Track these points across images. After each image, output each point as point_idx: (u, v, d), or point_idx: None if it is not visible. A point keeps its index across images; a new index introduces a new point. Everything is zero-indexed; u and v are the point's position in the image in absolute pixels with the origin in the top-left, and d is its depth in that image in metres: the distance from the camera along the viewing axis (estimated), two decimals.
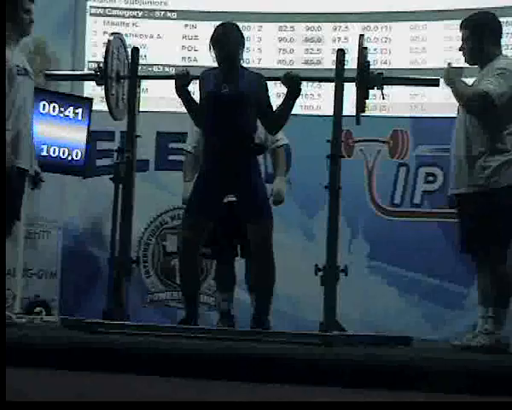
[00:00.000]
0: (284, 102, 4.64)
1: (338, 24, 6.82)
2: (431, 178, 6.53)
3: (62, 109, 6.31)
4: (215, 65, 4.65)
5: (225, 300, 5.33)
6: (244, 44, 4.66)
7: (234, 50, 4.57)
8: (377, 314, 6.21)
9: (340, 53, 4.70)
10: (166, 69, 6.77)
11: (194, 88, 4.76)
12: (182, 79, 4.67)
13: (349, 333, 4.59)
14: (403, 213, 6.59)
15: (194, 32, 6.93)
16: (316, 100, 6.67)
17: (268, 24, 6.90)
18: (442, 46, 6.44)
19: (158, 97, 6.43)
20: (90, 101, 6.46)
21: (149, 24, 7.00)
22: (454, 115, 4.68)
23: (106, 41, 4.93)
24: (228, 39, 4.55)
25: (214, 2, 6.83)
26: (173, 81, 4.68)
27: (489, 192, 4.41)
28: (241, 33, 4.65)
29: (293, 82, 4.59)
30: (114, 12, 7.04)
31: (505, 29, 5.10)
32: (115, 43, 4.91)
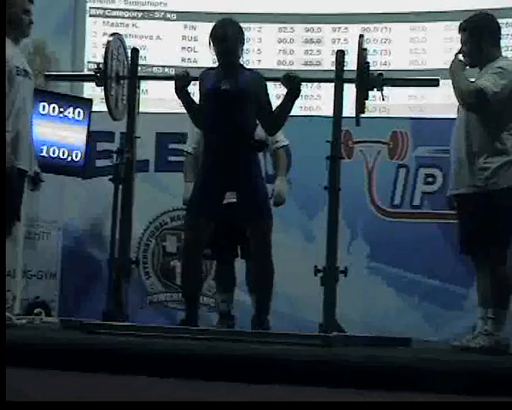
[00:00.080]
0: (283, 102, 4.64)
1: (337, 25, 6.82)
2: (430, 180, 6.53)
3: (62, 110, 6.31)
4: (215, 66, 4.65)
5: (225, 301, 5.33)
6: (244, 41, 4.67)
7: (233, 46, 4.58)
8: (377, 315, 6.22)
9: (340, 54, 4.70)
10: (166, 70, 6.77)
11: (193, 89, 4.76)
12: (181, 80, 4.67)
13: (349, 334, 4.59)
14: (402, 215, 6.59)
15: (193, 33, 6.94)
16: (315, 101, 6.67)
17: (268, 25, 6.90)
18: (442, 47, 6.44)
19: (158, 98, 6.44)
20: (89, 101, 6.46)
21: (149, 25, 7.00)
22: (454, 116, 4.68)
23: (105, 42, 4.92)
24: (227, 35, 4.56)
25: (214, 4, 6.83)
26: (173, 82, 4.69)
27: (489, 193, 4.41)
28: (241, 30, 4.66)
29: (292, 83, 4.60)
30: (114, 13, 7.04)
31: (505, 30, 5.12)
32: (115, 44, 4.90)
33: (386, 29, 6.76)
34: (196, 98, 4.71)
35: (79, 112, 6.40)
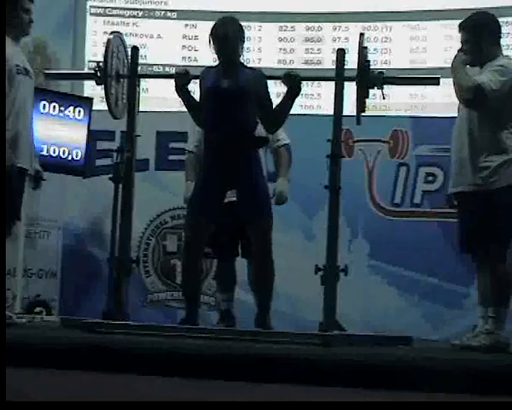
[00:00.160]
0: (284, 100, 4.64)
1: (338, 24, 6.82)
2: (431, 178, 6.53)
3: (62, 109, 6.32)
4: (215, 63, 4.65)
5: (225, 300, 5.32)
6: (244, 39, 4.66)
7: (233, 44, 4.58)
8: (377, 314, 6.22)
9: (341, 53, 4.70)
10: (167, 69, 6.77)
11: (194, 87, 4.76)
12: (182, 79, 4.67)
13: (349, 333, 4.59)
14: (403, 213, 6.59)
15: (194, 32, 6.94)
16: (316, 100, 6.67)
17: (268, 24, 6.90)
18: (442, 46, 6.44)
19: (158, 97, 6.44)
20: (90, 100, 6.46)
21: (149, 24, 7.00)
22: (454, 115, 4.68)
23: (106, 41, 4.92)
24: (227, 33, 4.55)
25: (214, 2, 6.83)
26: (173, 81, 4.69)
27: (489, 192, 4.41)
28: (241, 28, 4.65)
29: (293, 81, 4.59)
30: (114, 12, 7.05)
31: (505, 29, 5.11)
32: (115, 42, 4.90)
33: (386, 28, 6.76)
34: (197, 97, 4.71)
35: (80, 111, 6.40)
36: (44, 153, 6.11)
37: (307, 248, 6.26)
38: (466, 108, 4.51)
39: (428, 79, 5.15)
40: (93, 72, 4.91)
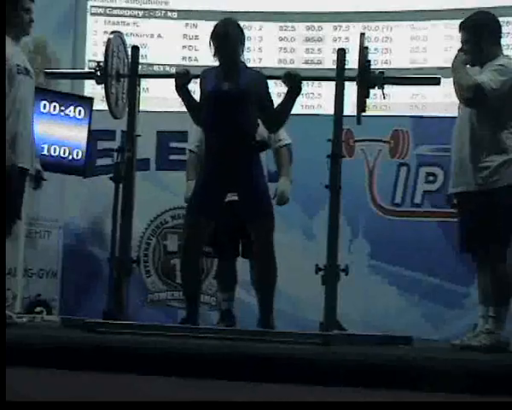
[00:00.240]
0: (284, 100, 4.64)
1: (338, 23, 6.82)
2: (431, 178, 6.53)
3: (63, 108, 6.32)
4: (216, 64, 4.65)
5: (226, 299, 5.32)
6: (244, 41, 4.66)
7: (234, 47, 4.57)
8: (377, 314, 6.21)
9: (341, 52, 4.70)
10: (167, 69, 6.77)
11: (194, 87, 4.76)
12: (182, 78, 4.67)
13: (349, 333, 4.59)
14: (403, 213, 6.59)
15: (194, 32, 6.94)
16: (316, 99, 6.67)
17: (269, 23, 6.90)
18: (443, 46, 6.44)
19: (158, 97, 6.44)
20: (90, 100, 6.46)
21: (150, 23, 7.00)
22: (455, 115, 4.67)
23: (106, 40, 4.92)
24: (228, 36, 4.55)
25: (215, 2, 6.83)
26: (174, 80, 4.68)
27: (489, 191, 4.41)
28: (242, 30, 4.65)
29: (293, 81, 4.59)
30: (115, 11, 7.04)
31: (505, 29, 5.11)
32: (115, 42, 4.90)
33: (387, 27, 6.75)
34: (197, 97, 4.70)
35: (80, 110, 6.40)
36: (45, 153, 6.11)
37: (308, 248, 6.26)
38: (466, 107, 4.51)
39: (429, 79, 5.15)
40: (93, 71, 4.91)
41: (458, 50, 4.59)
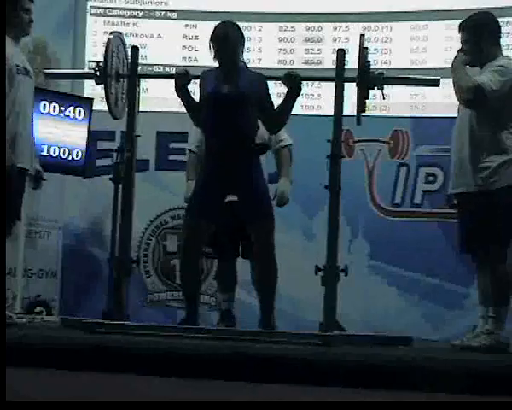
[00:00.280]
0: (284, 101, 4.64)
1: (338, 24, 6.82)
2: (431, 178, 6.53)
3: (63, 109, 6.32)
4: (216, 65, 4.65)
5: (226, 300, 5.32)
6: (244, 43, 4.66)
7: (233, 50, 4.57)
8: (377, 314, 6.22)
9: (341, 53, 4.70)
10: (167, 69, 6.76)
11: (194, 88, 4.76)
12: (182, 79, 4.67)
13: (349, 333, 4.59)
14: (403, 213, 6.59)
15: (194, 32, 6.94)
16: (316, 100, 6.67)
17: (268, 24, 6.90)
18: (442, 46, 6.44)
19: (158, 97, 6.44)
20: (90, 101, 6.46)
21: (150, 24, 7.00)
22: (454, 115, 4.68)
23: (106, 41, 4.92)
24: (227, 38, 4.55)
25: (215, 2, 6.83)
26: (173, 81, 4.68)
27: (489, 192, 4.41)
28: (241, 32, 4.65)
29: (293, 81, 4.59)
30: (115, 12, 7.04)
31: (505, 29, 5.11)
32: (115, 42, 4.90)
33: (386, 28, 6.76)
34: (196, 97, 4.70)
35: (80, 111, 6.40)
36: (45, 153, 6.11)
37: (307, 249, 6.26)
38: (466, 108, 4.51)
39: (428, 79, 5.15)
40: (93, 71, 4.91)
41: (458, 51, 4.60)
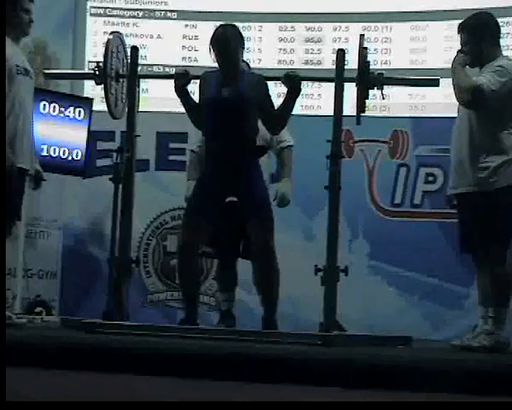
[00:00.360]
0: (284, 102, 4.64)
1: (338, 24, 6.83)
2: (431, 179, 6.54)
3: (63, 109, 6.32)
4: (216, 65, 4.65)
5: (226, 300, 5.32)
6: (244, 46, 4.66)
7: (234, 52, 4.57)
8: (377, 314, 6.22)
9: (341, 53, 4.70)
10: (167, 69, 6.77)
11: (193, 88, 4.76)
12: (181, 79, 4.66)
13: (349, 333, 4.59)
14: (403, 214, 6.60)
15: (194, 32, 6.94)
16: (316, 100, 6.67)
17: (268, 24, 6.90)
18: (442, 46, 6.45)
19: (158, 97, 6.44)
20: (90, 101, 6.46)
21: (149, 24, 7.00)
22: (454, 115, 4.68)
23: (106, 41, 4.92)
24: (227, 41, 4.54)
25: (214, 3, 6.84)
26: (173, 81, 4.68)
27: (489, 192, 4.41)
28: (241, 35, 4.65)
29: (293, 82, 4.59)
30: (115, 12, 7.05)
31: (505, 29, 5.11)
32: (115, 42, 4.90)
33: (386, 28, 6.76)
34: (196, 98, 4.70)
35: (80, 111, 6.40)
36: (44, 153, 6.11)
37: (307, 249, 6.26)
38: (466, 108, 4.51)
39: (428, 80, 5.15)
40: (93, 72, 4.91)
41: (458, 52, 4.60)
